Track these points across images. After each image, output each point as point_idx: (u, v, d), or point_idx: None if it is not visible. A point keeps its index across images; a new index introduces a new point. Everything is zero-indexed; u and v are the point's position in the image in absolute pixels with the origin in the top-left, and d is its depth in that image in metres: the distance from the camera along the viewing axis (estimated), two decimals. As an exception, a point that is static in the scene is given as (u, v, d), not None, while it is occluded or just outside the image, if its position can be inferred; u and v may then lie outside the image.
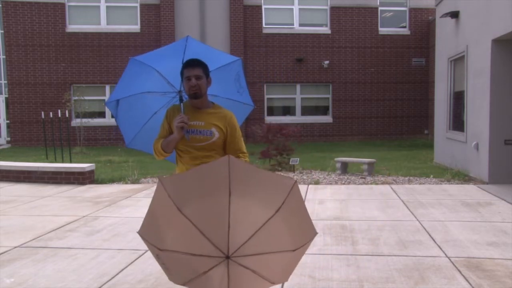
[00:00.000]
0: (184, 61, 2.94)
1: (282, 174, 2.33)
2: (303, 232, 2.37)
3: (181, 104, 2.95)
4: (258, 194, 2.21)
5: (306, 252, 4.76)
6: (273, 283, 2.38)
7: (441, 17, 11.02)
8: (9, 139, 19.03)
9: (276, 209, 2.20)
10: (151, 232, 2.34)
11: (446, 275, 4.05)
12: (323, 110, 19.18)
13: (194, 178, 2.27)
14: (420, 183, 8.79)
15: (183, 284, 2.37)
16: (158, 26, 17.90)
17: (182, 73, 2.89)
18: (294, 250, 2.31)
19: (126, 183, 9.29)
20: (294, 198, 2.28)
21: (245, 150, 3.01)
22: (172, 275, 2.41)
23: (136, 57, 3.24)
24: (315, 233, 2.42)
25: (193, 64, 2.84)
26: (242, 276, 2.26)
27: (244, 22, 18.22)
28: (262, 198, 2.21)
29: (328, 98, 19.02)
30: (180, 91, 3.09)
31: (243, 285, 2.31)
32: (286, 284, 3.91)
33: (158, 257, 2.37)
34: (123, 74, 3.28)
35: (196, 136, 2.88)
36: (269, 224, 2.20)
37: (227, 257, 2.19)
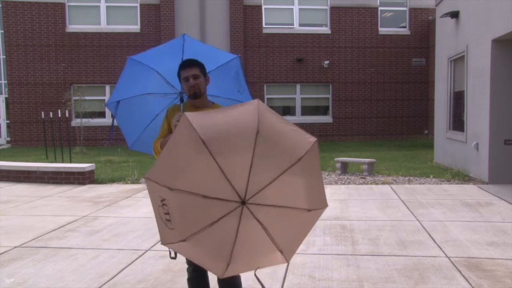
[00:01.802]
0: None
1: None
2: (318, 195, 2.35)
3: (181, 104, 2.95)
4: (283, 141, 2.20)
5: (306, 252, 4.77)
6: (281, 252, 2.27)
7: (441, 17, 11.02)
8: (9, 139, 19.03)
9: (297, 159, 2.18)
10: (163, 173, 2.19)
11: (446, 275, 4.05)
12: (323, 110, 19.18)
13: (222, 116, 2.23)
14: (420, 183, 8.79)
15: (185, 240, 2.18)
16: (158, 26, 17.90)
17: (179, 75, 2.89)
18: (309, 211, 2.26)
19: (126, 183, 9.29)
20: (313, 156, 2.27)
21: None
22: (172, 230, 2.20)
23: (134, 57, 3.23)
24: (327, 205, 2.40)
25: (189, 65, 2.84)
26: (252, 233, 2.16)
27: (244, 22, 18.22)
28: (285, 146, 2.19)
29: (328, 98, 19.02)
30: (181, 92, 3.08)
31: (250, 246, 2.21)
32: (286, 284, 3.91)
33: (163, 205, 2.18)
34: (122, 74, 3.26)
35: None
36: (288, 173, 2.16)
37: (243, 202, 2.10)
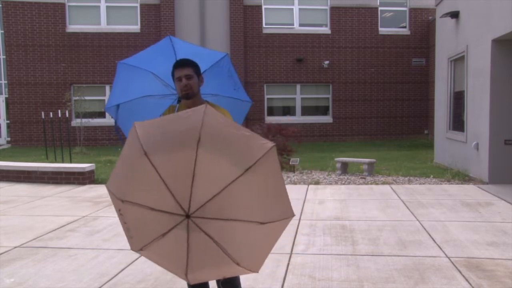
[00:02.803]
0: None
1: (262, 138, 2.17)
2: (276, 206, 2.13)
3: (177, 104, 2.93)
4: (230, 150, 2.04)
5: (306, 252, 4.77)
6: (238, 265, 2.14)
7: (441, 17, 11.02)
8: (9, 139, 19.03)
9: (245, 169, 2.00)
10: (117, 183, 2.17)
11: (446, 275, 4.05)
12: (323, 110, 19.19)
13: (167, 124, 2.13)
14: (420, 183, 8.79)
15: (141, 249, 2.20)
16: (158, 26, 17.90)
17: (172, 74, 2.86)
18: (262, 223, 2.07)
19: (126, 183, 9.28)
20: (269, 163, 2.07)
21: None
22: (132, 238, 2.21)
23: (125, 61, 3.22)
24: (292, 214, 2.18)
25: (183, 64, 2.80)
26: (204, 246, 2.08)
27: (244, 22, 18.21)
28: (233, 155, 2.03)
29: (328, 98, 19.02)
30: None
31: (204, 259, 2.11)
32: (286, 284, 3.91)
33: (120, 214, 2.19)
34: (116, 78, 3.26)
35: None
36: (235, 184, 2.01)
37: (187, 216, 2.03)
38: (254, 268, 2.20)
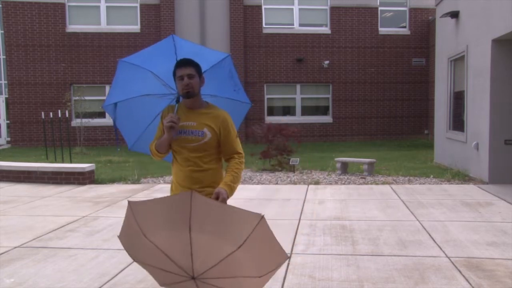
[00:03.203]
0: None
1: (249, 210, 2.31)
2: (270, 260, 2.34)
3: (176, 104, 2.93)
4: (220, 230, 2.23)
5: (306, 252, 4.77)
6: None
7: (441, 17, 11.02)
8: (9, 139, 19.02)
9: (238, 246, 2.21)
10: (126, 242, 2.49)
11: (446, 275, 4.05)
12: (323, 110, 19.18)
13: (159, 208, 2.34)
14: (420, 183, 8.79)
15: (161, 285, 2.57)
16: (158, 26, 17.90)
17: (174, 74, 2.87)
18: (260, 277, 2.32)
19: (126, 183, 9.28)
20: (260, 233, 2.24)
21: (240, 151, 2.95)
22: (153, 275, 2.58)
23: (125, 59, 3.22)
24: (286, 257, 2.38)
25: (185, 64, 2.81)
26: None
27: (244, 22, 18.21)
28: (224, 235, 2.23)
29: (328, 98, 19.02)
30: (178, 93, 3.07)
31: None
32: (286, 284, 3.91)
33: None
34: (116, 76, 3.26)
35: (187, 136, 2.84)
36: (231, 258, 2.24)
37: (193, 278, 2.33)
38: None
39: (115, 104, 3.25)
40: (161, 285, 2.57)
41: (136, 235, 2.36)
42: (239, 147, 2.96)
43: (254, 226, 2.22)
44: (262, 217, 2.24)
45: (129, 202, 2.35)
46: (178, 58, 2.95)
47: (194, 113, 2.89)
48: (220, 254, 2.24)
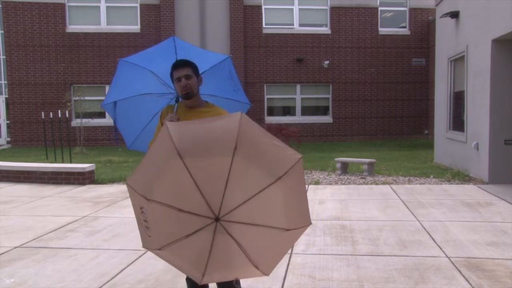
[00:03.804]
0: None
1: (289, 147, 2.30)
2: (299, 214, 2.26)
3: (176, 104, 2.93)
4: (263, 158, 2.13)
5: (306, 252, 4.77)
6: (256, 268, 2.22)
7: (441, 17, 11.02)
8: (9, 139, 19.03)
9: (277, 178, 2.10)
10: (141, 181, 2.19)
11: (446, 275, 4.05)
12: (323, 110, 19.18)
13: (202, 129, 2.18)
14: (420, 183, 8.79)
15: (160, 249, 2.21)
16: (158, 27, 17.91)
17: (171, 75, 2.87)
18: (287, 230, 2.19)
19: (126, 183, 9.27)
20: (296, 174, 2.19)
21: None
22: (150, 237, 2.22)
23: (126, 59, 3.23)
24: (310, 223, 2.32)
25: (181, 65, 2.82)
26: (226, 248, 2.14)
27: (244, 22, 18.22)
28: (265, 163, 2.12)
29: (328, 98, 19.02)
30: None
31: (225, 260, 2.17)
32: (286, 283, 3.91)
33: (141, 212, 2.20)
34: (116, 75, 3.27)
35: None
36: (266, 192, 2.10)
37: (217, 219, 2.08)
38: (267, 271, 2.27)
39: (114, 103, 3.26)
40: (153, 247, 2.23)
41: (166, 161, 2.10)
42: None
43: (294, 162, 2.16)
44: (301, 157, 2.21)
45: (166, 122, 2.19)
46: (178, 58, 2.96)
47: (194, 112, 2.89)
48: (257, 185, 2.08)
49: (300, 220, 2.25)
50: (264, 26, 18.49)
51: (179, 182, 2.08)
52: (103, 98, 16.90)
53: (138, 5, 18.04)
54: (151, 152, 2.22)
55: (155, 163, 2.17)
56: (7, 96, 18.94)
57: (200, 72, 2.93)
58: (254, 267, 2.20)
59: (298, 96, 18.87)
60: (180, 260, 2.24)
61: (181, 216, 2.10)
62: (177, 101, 2.97)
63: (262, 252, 2.21)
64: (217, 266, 2.18)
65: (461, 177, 9.19)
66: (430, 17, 18.38)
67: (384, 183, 8.82)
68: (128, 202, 7.39)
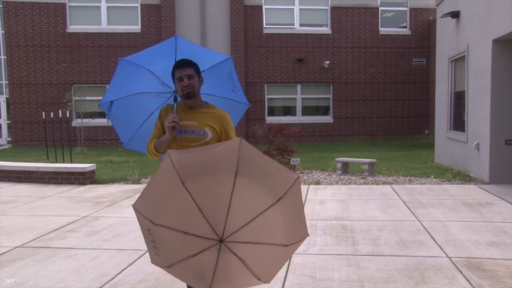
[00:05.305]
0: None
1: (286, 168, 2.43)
2: (297, 229, 2.39)
3: (175, 103, 2.92)
4: (263, 180, 2.24)
5: (306, 252, 4.77)
6: (258, 280, 2.38)
7: (441, 17, 11.02)
8: (9, 139, 19.04)
9: (277, 199, 2.23)
10: (147, 205, 2.31)
11: (446, 275, 4.05)
12: (324, 110, 19.18)
13: (203, 155, 2.29)
14: (421, 183, 8.78)
15: (168, 267, 2.34)
16: (158, 27, 17.91)
17: (173, 74, 2.86)
18: (286, 246, 2.34)
19: (127, 183, 9.29)
20: (295, 193, 2.31)
21: None
22: (158, 255, 2.36)
23: (126, 58, 3.23)
24: (307, 235, 2.45)
25: (184, 64, 2.81)
26: (230, 265, 2.27)
27: (245, 22, 18.22)
28: (265, 185, 2.24)
29: (328, 98, 19.02)
30: (175, 91, 3.07)
31: (229, 275, 2.31)
32: (286, 284, 3.91)
33: (149, 233, 2.33)
34: (115, 75, 3.27)
35: (189, 136, 2.83)
36: (267, 213, 2.22)
37: (220, 241, 2.21)
38: (268, 280, 2.44)
39: (111, 102, 3.25)
40: (162, 265, 2.39)
41: (169, 187, 2.23)
42: None
43: (292, 182, 2.29)
44: (298, 176, 2.33)
45: (168, 150, 2.31)
46: (178, 58, 2.95)
47: (194, 112, 2.88)
48: (259, 206, 2.22)
49: (298, 234, 2.40)
50: (264, 26, 18.49)
51: (183, 206, 2.21)
52: (103, 98, 16.76)
53: (138, 5, 18.05)
54: (155, 177, 2.34)
55: (159, 188, 2.30)
56: (7, 96, 18.95)
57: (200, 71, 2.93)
58: (256, 278, 2.37)
59: (298, 96, 18.86)
60: (187, 276, 2.38)
61: (187, 238, 2.23)
62: (175, 100, 2.95)
63: (263, 265, 2.37)
64: (222, 280, 2.32)
65: (462, 177, 9.18)
66: (430, 17, 18.37)
67: (384, 183, 8.82)
68: (129, 202, 7.39)
